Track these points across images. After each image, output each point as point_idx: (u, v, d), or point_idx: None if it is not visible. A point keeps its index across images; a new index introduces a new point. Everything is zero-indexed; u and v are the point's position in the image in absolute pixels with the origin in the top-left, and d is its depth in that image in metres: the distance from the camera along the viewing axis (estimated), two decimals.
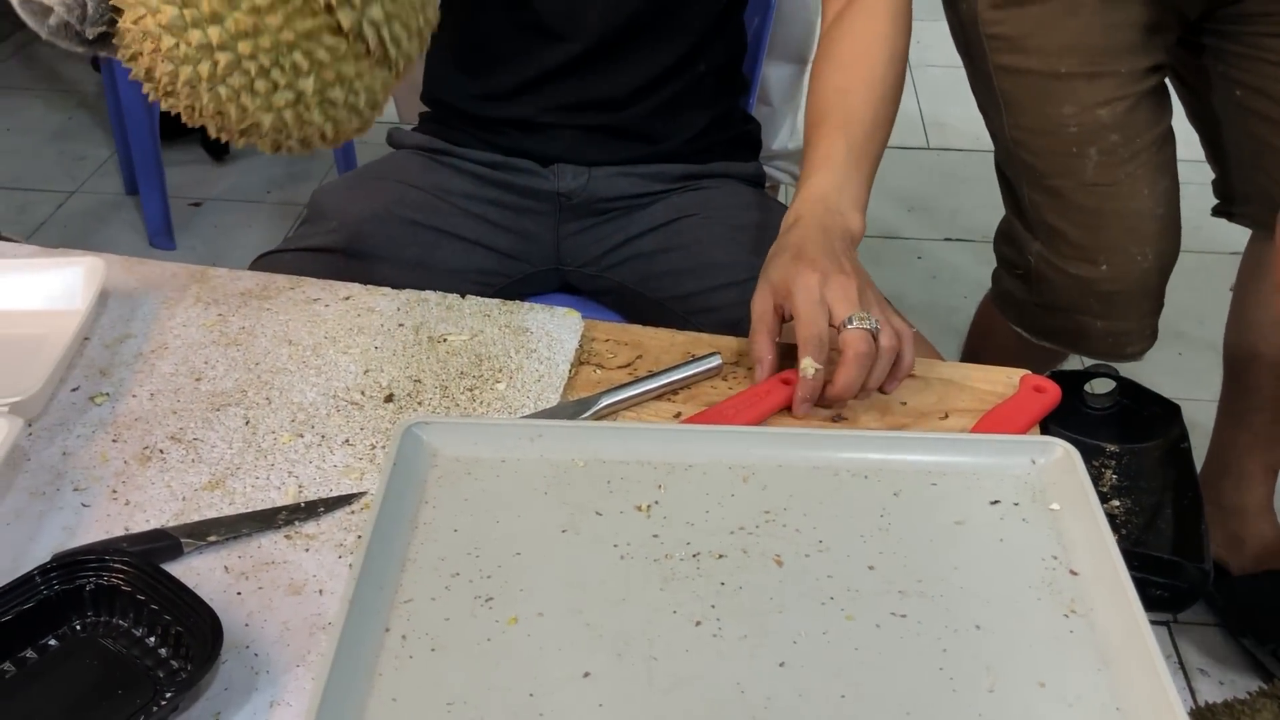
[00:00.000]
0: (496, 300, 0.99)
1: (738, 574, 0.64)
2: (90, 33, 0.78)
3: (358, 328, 0.95)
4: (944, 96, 2.99)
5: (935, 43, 3.50)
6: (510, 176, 1.23)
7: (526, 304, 0.99)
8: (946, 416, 0.88)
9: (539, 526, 0.67)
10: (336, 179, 1.29)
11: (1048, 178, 1.37)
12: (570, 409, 0.86)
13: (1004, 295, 1.54)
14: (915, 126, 2.84)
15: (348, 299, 0.99)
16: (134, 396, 0.87)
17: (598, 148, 1.20)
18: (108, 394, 0.88)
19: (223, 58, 0.70)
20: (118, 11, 0.75)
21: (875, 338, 0.84)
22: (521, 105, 1.20)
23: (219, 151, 2.67)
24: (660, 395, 0.89)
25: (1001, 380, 0.92)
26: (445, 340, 0.94)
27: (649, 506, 0.69)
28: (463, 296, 1.00)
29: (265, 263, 1.19)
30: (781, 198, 1.95)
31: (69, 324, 0.90)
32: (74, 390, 0.88)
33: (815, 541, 0.65)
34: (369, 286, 1.00)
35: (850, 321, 0.84)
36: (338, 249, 1.19)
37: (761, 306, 0.91)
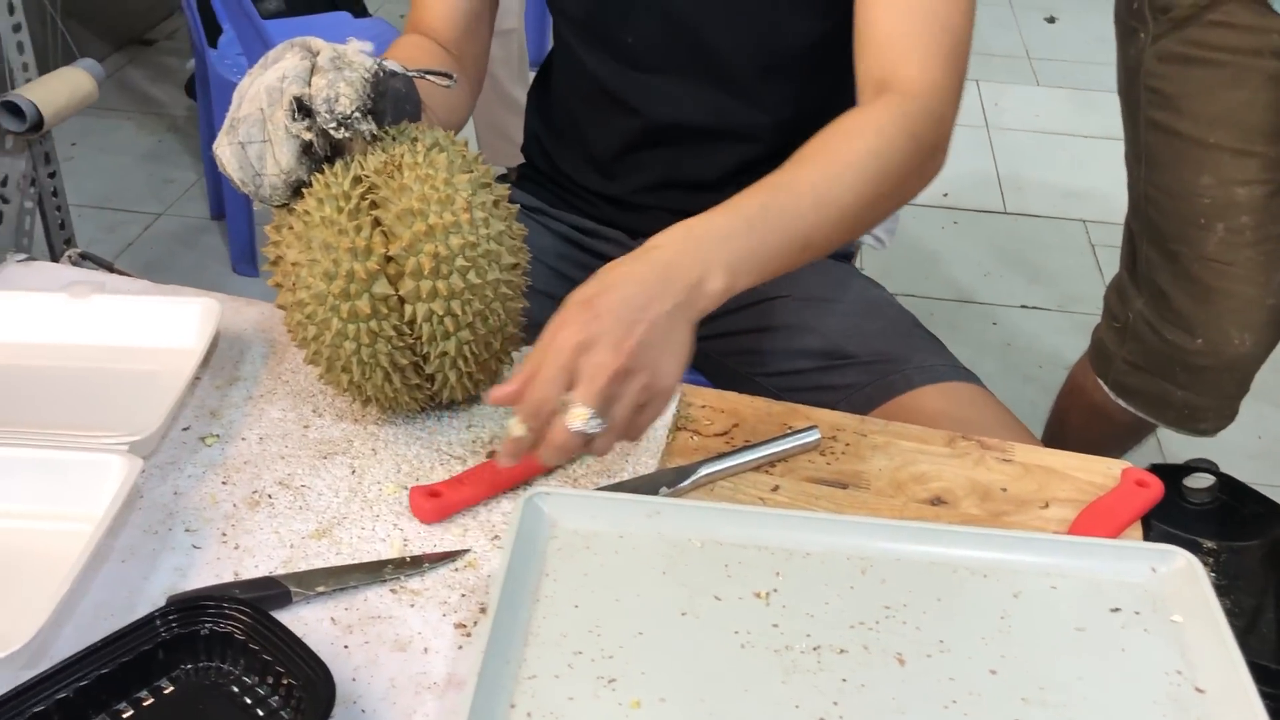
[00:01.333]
0: None
1: (860, 671, 0.64)
2: (257, 205, 0.88)
3: None
4: (1022, 159, 2.98)
5: (1014, 106, 3.53)
6: (599, 244, 1.24)
7: None
8: (1047, 506, 0.87)
9: (659, 607, 0.68)
10: None
11: (1169, 241, 1.35)
12: (669, 476, 0.86)
13: (1099, 345, 1.53)
14: (992, 189, 2.84)
15: (444, 400, 1.00)
16: (243, 440, 0.89)
17: None
18: (218, 435, 0.90)
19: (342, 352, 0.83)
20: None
21: (589, 438, 0.74)
22: (612, 181, 1.21)
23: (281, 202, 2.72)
24: (758, 467, 0.89)
25: (1101, 471, 0.91)
26: None
27: (768, 594, 0.69)
28: None
29: None
30: (858, 261, 1.95)
31: (183, 364, 0.92)
32: (185, 429, 0.90)
33: (936, 641, 0.65)
34: None
35: (573, 413, 0.73)
36: None
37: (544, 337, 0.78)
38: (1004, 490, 0.89)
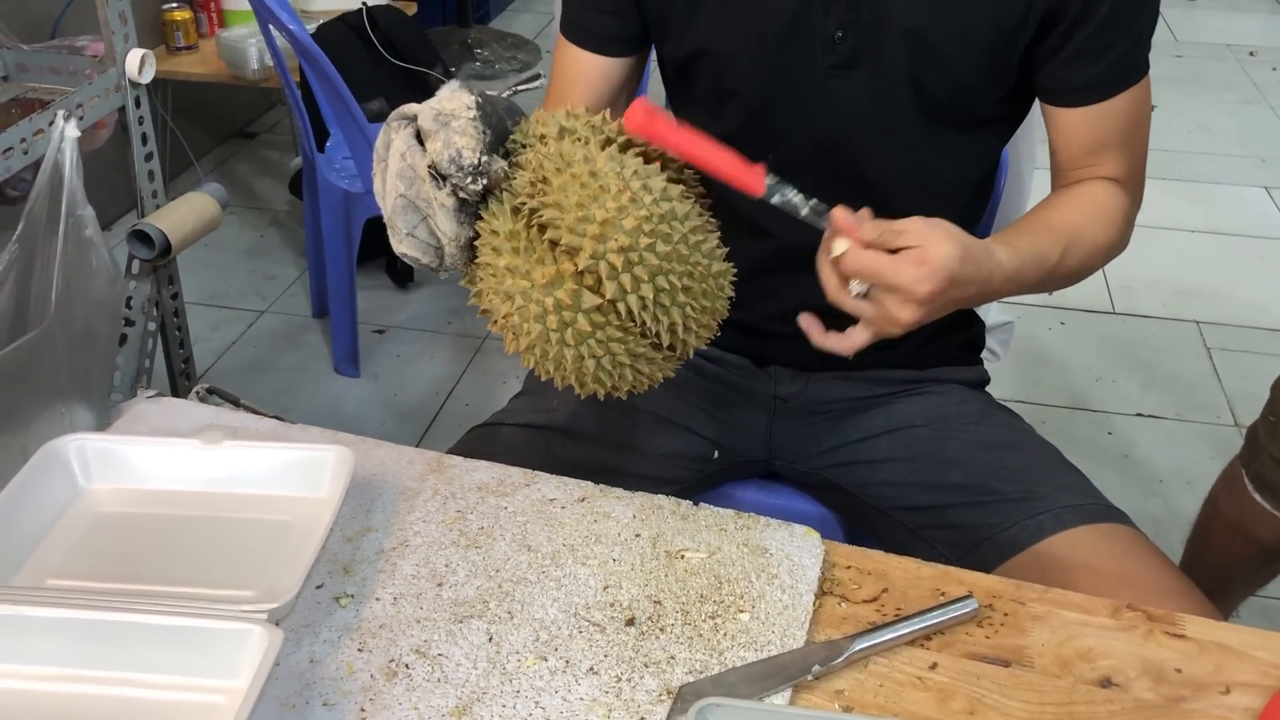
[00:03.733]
0: (731, 512, 0.97)
1: None
2: (444, 275, 0.91)
3: (595, 536, 0.94)
4: (1128, 255, 2.90)
5: None
6: (725, 372, 1.22)
7: (763, 519, 0.96)
8: (1228, 691, 0.81)
9: None
10: None
11: None
12: (820, 653, 0.82)
13: (1251, 436, 1.46)
14: (1099, 289, 2.76)
15: (583, 501, 0.97)
16: (377, 600, 0.87)
17: (818, 355, 1.18)
18: (352, 595, 0.87)
19: (576, 359, 0.84)
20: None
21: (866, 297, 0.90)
22: (739, 307, 1.19)
23: (403, 278, 2.75)
24: (913, 640, 0.84)
25: None
26: (683, 557, 0.92)
27: None
28: (695, 504, 0.98)
29: (481, 433, 1.20)
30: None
31: (316, 516, 0.91)
32: (319, 588, 0.88)
33: None
34: (603, 487, 0.99)
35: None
36: (554, 428, 1.19)
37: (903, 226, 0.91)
38: (1178, 671, 0.83)
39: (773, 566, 0.90)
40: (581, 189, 0.80)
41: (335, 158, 2.39)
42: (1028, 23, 1.02)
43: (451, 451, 1.10)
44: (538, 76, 0.92)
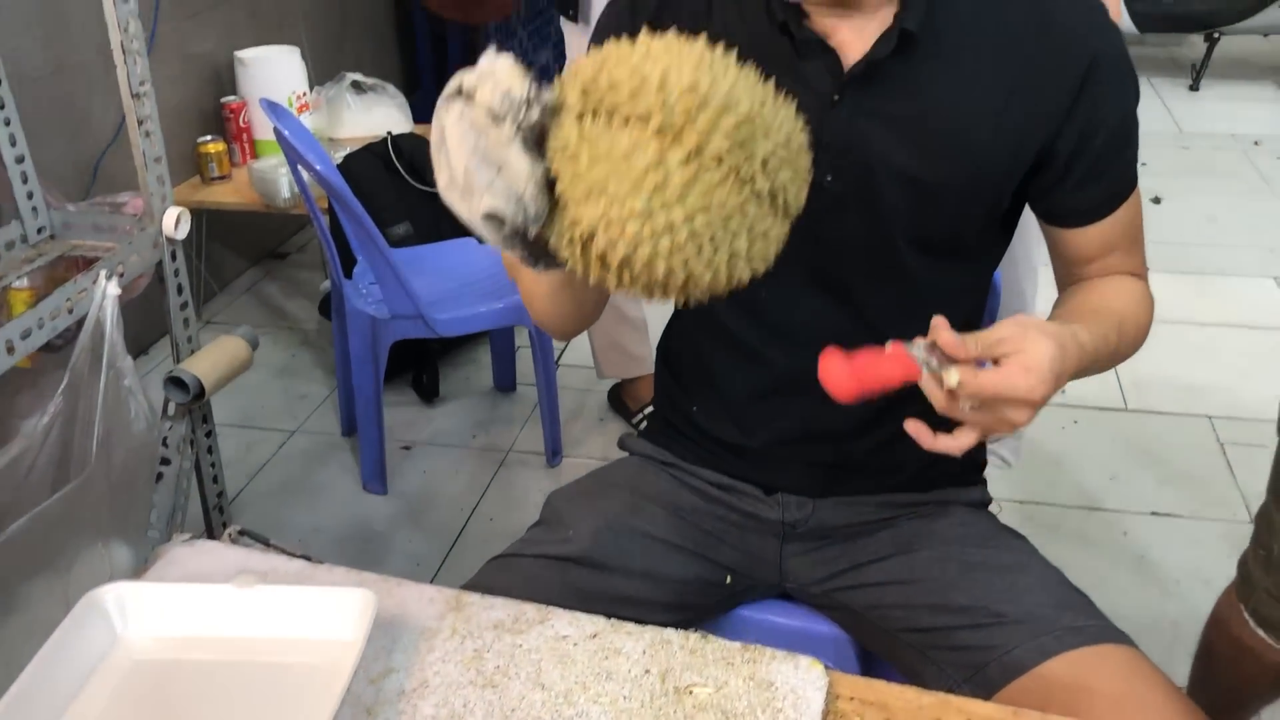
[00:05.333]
0: (738, 645, 1.01)
1: None
2: (532, 231, 0.85)
3: (606, 673, 0.98)
4: (1141, 354, 2.94)
5: None
6: (734, 499, 1.26)
7: (769, 651, 0.99)
8: None
9: None
10: (571, 484, 1.35)
11: None
12: None
13: (1244, 569, 1.47)
14: (1111, 386, 2.80)
15: (594, 637, 1.02)
16: None
17: (821, 481, 1.22)
18: None
19: (684, 231, 0.80)
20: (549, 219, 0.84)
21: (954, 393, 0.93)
22: (745, 434, 1.24)
23: (429, 394, 2.83)
24: None
25: None
26: (691, 692, 0.96)
27: None
28: (704, 638, 1.02)
29: (499, 564, 1.25)
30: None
31: (340, 659, 0.95)
32: None
33: None
34: (614, 622, 1.03)
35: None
36: (570, 558, 1.23)
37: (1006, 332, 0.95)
38: None
39: (778, 700, 0.94)
40: (633, 68, 0.80)
41: (362, 283, 2.48)
42: (1015, 171, 1.08)
43: (470, 585, 1.15)
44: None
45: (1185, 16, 5.16)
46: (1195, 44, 5.66)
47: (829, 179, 1.07)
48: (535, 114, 0.82)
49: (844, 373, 0.94)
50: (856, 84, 1.06)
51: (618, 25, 1.12)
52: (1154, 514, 2.36)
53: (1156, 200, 4.02)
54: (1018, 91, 1.05)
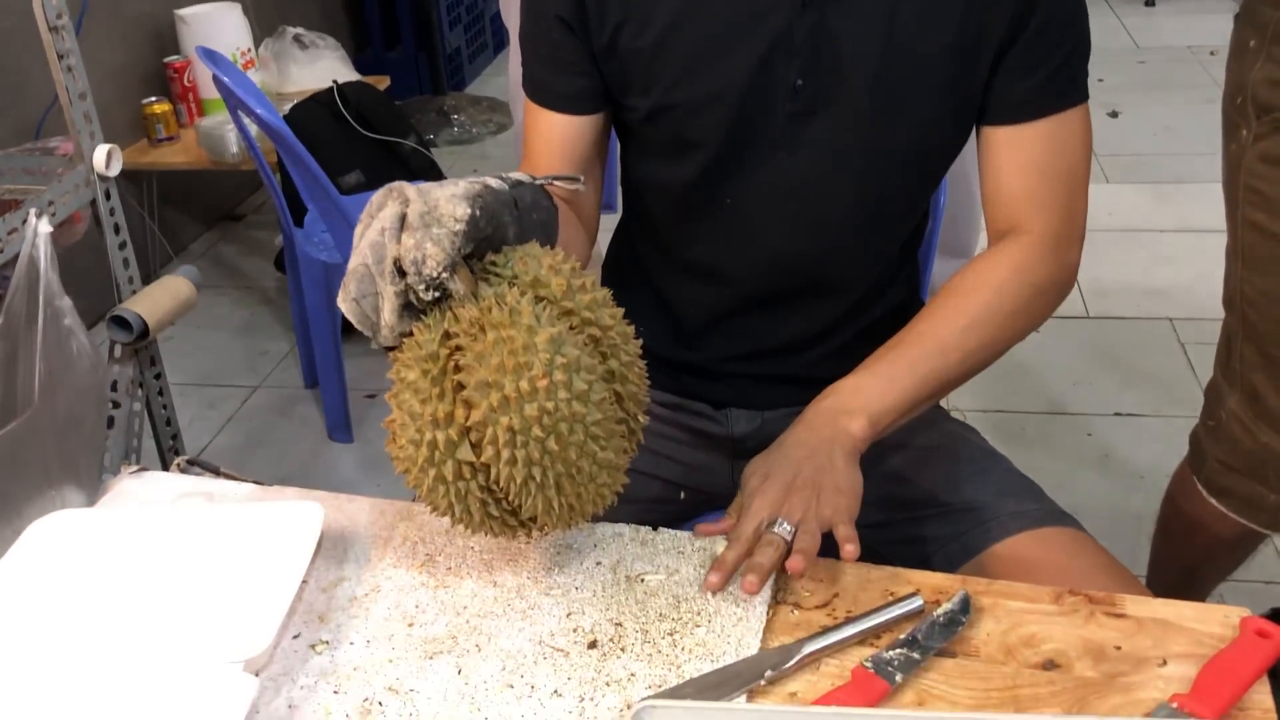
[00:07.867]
0: (688, 534, 1.01)
1: None
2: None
3: (557, 566, 0.98)
4: (1100, 261, 2.95)
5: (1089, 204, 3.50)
6: (685, 419, 1.26)
7: (720, 540, 1.00)
8: (1165, 663, 0.85)
9: None
10: None
11: (1264, 342, 1.32)
12: (773, 658, 0.86)
13: (1195, 442, 1.49)
14: (1073, 296, 2.80)
15: (547, 535, 1.02)
16: (351, 644, 0.91)
17: (770, 394, 1.22)
18: (327, 641, 0.92)
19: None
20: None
21: (784, 546, 0.93)
22: (695, 351, 1.23)
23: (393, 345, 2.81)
24: (863, 640, 0.88)
25: (1219, 620, 0.88)
26: (643, 580, 0.96)
27: None
28: (655, 529, 1.02)
29: None
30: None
31: (290, 570, 0.95)
32: (295, 637, 0.92)
33: None
34: None
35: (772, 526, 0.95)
36: None
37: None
38: (1118, 649, 0.87)
39: (729, 583, 0.94)
40: (508, 355, 0.81)
41: (313, 232, 2.45)
42: (983, 53, 1.03)
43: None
44: (579, 180, 0.92)
45: None
46: None
47: (799, 83, 1.04)
48: (429, 298, 0.84)
49: None
50: None
51: None
52: (1117, 414, 2.38)
53: (1114, 114, 4.02)
54: None
